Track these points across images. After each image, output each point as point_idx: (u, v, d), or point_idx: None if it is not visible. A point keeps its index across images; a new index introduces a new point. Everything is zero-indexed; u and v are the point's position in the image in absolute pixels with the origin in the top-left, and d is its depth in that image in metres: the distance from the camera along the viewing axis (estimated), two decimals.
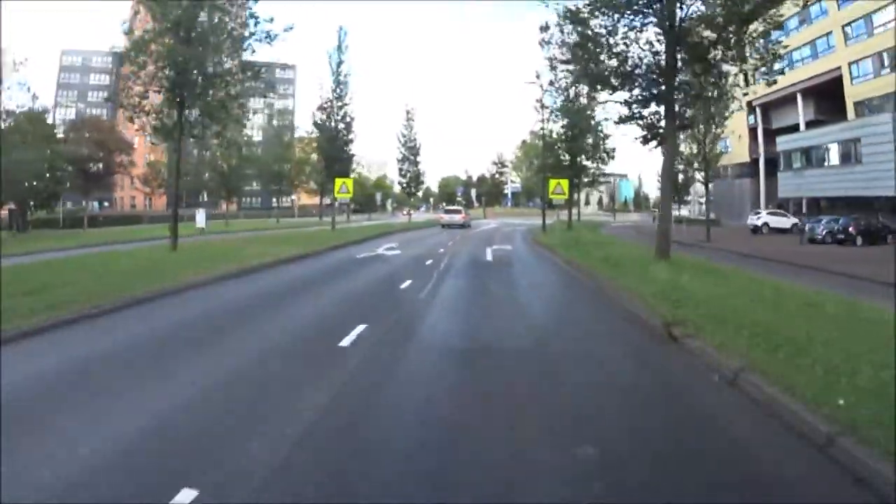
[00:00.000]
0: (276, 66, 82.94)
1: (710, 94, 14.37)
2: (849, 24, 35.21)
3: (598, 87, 13.19)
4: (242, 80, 15.31)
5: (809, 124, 39.69)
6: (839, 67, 36.08)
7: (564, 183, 20.11)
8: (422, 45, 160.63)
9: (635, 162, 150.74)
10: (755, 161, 46.36)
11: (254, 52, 15.37)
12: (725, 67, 14.28)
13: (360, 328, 6.12)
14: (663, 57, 12.77)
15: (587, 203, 71.44)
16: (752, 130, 46.62)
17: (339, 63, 25.88)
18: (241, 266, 11.95)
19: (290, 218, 55.50)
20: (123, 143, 42.53)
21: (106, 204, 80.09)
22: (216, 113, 15.25)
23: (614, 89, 13.11)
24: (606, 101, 13.13)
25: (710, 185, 55.17)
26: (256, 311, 7.47)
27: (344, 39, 25.99)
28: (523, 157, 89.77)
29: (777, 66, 14.64)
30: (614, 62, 13.23)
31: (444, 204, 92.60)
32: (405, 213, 78.47)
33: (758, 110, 45.44)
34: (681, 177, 50.16)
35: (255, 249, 15.40)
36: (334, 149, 25.01)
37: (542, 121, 26.33)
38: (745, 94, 15.17)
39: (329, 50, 25.95)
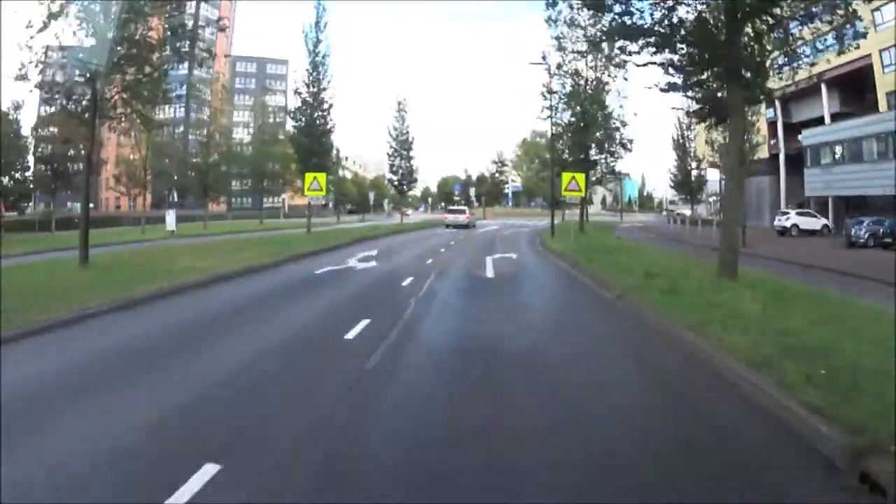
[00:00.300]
0: (267, 60, 79.97)
1: (775, 58, 10.87)
2: (877, 8, 31.80)
3: (634, 44, 9.59)
4: (174, 45, 11.75)
5: (835, 117, 36.32)
6: (868, 55, 32.57)
7: (580, 178, 16.51)
8: (421, 45, 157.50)
9: (637, 161, 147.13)
10: (774, 157, 42.63)
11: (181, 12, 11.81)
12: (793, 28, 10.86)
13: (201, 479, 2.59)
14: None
15: (590, 202, 67.78)
16: (771, 125, 42.95)
17: (317, 42, 22.29)
18: (149, 289, 8.41)
19: (276, 219, 51.94)
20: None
21: (91, 205, 76.72)
22: (138, 89, 11.87)
23: (657, 48, 9.55)
24: (647, 64, 9.57)
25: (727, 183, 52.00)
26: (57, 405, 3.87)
27: (322, 16, 22.39)
28: (524, 155, 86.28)
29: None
30: (657, 13, 9.72)
31: (443, 204, 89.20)
32: (401, 212, 75.25)
33: (777, 103, 41.86)
34: (694, 174, 46.86)
35: (192, 261, 11.88)
36: (310, 139, 21.43)
37: (550, 108, 22.80)
38: (814, 65, 11.60)
39: (305, 26, 22.34)
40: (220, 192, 42.14)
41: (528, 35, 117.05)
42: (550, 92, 23.13)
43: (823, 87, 36.53)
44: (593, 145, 23.47)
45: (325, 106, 22.29)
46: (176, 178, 39.21)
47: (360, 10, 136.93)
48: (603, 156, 23.86)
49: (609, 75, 23.92)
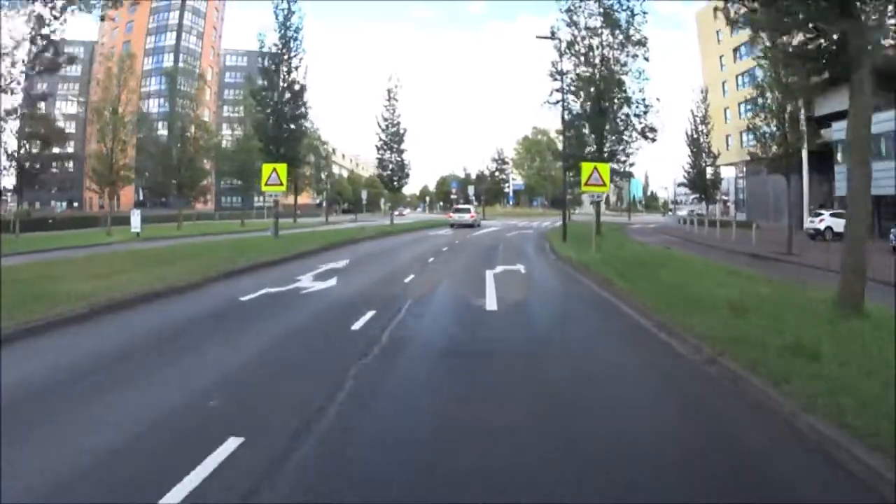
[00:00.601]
0: (257, 54, 76.19)
1: None
2: None
3: None
4: None
5: None
6: None
7: (604, 169, 12.92)
8: (420, 46, 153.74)
9: (638, 160, 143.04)
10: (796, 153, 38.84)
11: None
12: None
13: None
14: None
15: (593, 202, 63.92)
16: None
17: (288, 13, 18.70)
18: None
19: (259, 219, 48.40)
20: (56, 132, 35.27)
21: (75, 204, 73.03)
22: None
23: None
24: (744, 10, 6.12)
25: (743, 182, 48.19)
26: None
27: None
28: (525, 152, 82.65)
29: None
30: None
31: (441, 203, 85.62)
32: (397, 212, 71.37)
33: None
34: (709, 171, 43.24)
35: (91, 281, 8.39)
36: (277, 126, 17.87)
37: (560, 90, 19.17)
38: None
39: None
40: (198, 190, 38.46)
41: (526, 35, 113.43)
42: (560, 73, 19.57)
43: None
44: (609, 135, 19.81)
45: (296, 87, 18.71)
46: (148, 174, 35.53)
47: (360, 10, 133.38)
48: (621, 146, 20.15)
49: (627, 54, 20.35)
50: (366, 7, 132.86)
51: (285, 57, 18.78)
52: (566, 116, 19.60)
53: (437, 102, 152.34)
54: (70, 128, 63.73)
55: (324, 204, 75.86)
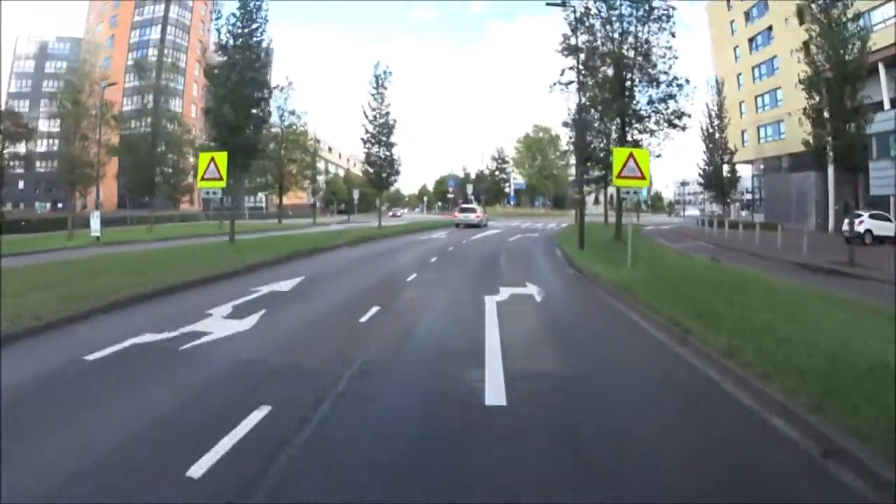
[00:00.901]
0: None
1: None
2: None
3: None
4: None
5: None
6: None
7: (643, 156, 9.44)
8: (420, 45, 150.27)
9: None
10: (821, 149, 35.38)
11: None
12: None
13: None
14: None
15: (596, 202, 60.43)
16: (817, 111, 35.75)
17: None
18: None
19: (251, 220, 45.00)
20: (25, 130, 32.04)
21: (59, 205, 69.53)
22: None
23: None
24: None
25: (762, 180, 44.59)
26: None
27: None
28: (525, 151, 79.21)
29: None
30: None
31: (439, 203, 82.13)
32: (390, 213, 67.88)
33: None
34: (726, 168, 39.71)
35: None
36: (233, 106, 14.47)
37: (576, 68, 15.71)
38: None
39: None
40: (180, 190, 35.20)
41: (522, 35, 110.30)
42: (575, 49, 16.12)
43: (881, 68, 29.74)
44: (634, 121, 16.32)
45: (257, 64, 15.31)
46: (108, 172, 32.16)
47: (360, 10, 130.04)
48: (646, 135, 16.62)
49: (649, 31, 16.95)
50: (366, 7, 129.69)
51: (245, 30, 15.40)
52: (582, 99, 16.18)
53: (437, 103, 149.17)
54: (55, 126, 60.47)
55: (318, 204, 72.44)
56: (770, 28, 39.55)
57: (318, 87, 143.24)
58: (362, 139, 24.92)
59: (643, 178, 9.50)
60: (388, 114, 24.94)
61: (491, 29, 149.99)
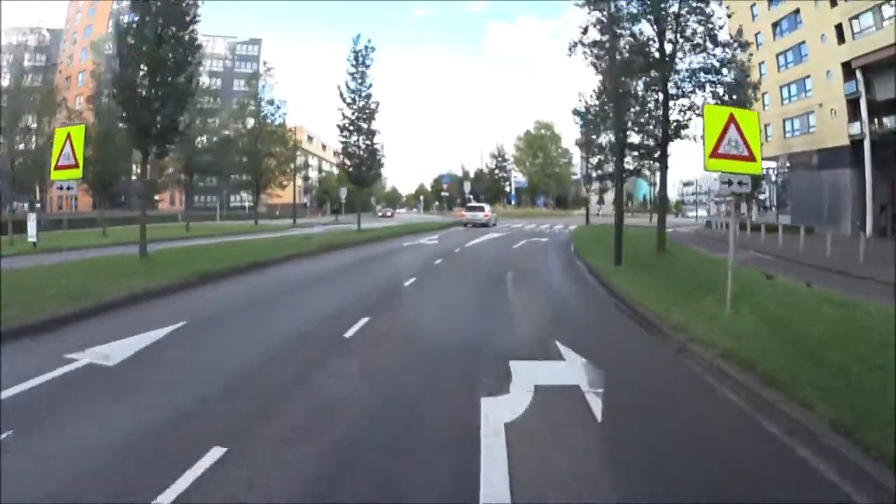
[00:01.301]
0: (237, 41, 68.60)
1: None
2: None
3: None
4: None
5: None
6: None
7: (748, 120, 5.42)
8: (420, 45, 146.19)
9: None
10: (856, 144, 31.46)
11: None
12: None
13: None
14: None
15: (601, 202, 56.23)
16: (852, 103, 31.81)
17: None
18: None
19: (239, 221, 40.92)
20: None
21: (38, 205, 65.52)
22: None
23: None
24: None
25: (788, 178, 40.54)
26: None
27: None
28: (526, 147, 75.08)
29: None
30: None
31: (437, 203, 78.11)
32: (381, 213, 63.83)
33: (858, 74, 30.86)
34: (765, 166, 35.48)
35: None
36: (149, 71, 10.47)
37: (602, 23, 11.64)
38: None
39: None
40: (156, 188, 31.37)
41: (520, 36, 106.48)
42: None
43: None
44: (675, 97, 12.26)
45: (186, 18, 11.28)
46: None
47: (361, 10, 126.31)
48: (688, 115, 12.45)
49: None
50: (366, 6, 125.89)
51: None
52: (605, 66, 12.15)
53: (436, 102, 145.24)
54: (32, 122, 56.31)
55: (308, 204, 68.35)
56: (797, 11, 35.49)
57: (318, 88, 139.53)
58: (338, 126, 20.55)
59: (753, 157, 5.54)
60: (369, 96, 20.64)
61: (491, 28, 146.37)
